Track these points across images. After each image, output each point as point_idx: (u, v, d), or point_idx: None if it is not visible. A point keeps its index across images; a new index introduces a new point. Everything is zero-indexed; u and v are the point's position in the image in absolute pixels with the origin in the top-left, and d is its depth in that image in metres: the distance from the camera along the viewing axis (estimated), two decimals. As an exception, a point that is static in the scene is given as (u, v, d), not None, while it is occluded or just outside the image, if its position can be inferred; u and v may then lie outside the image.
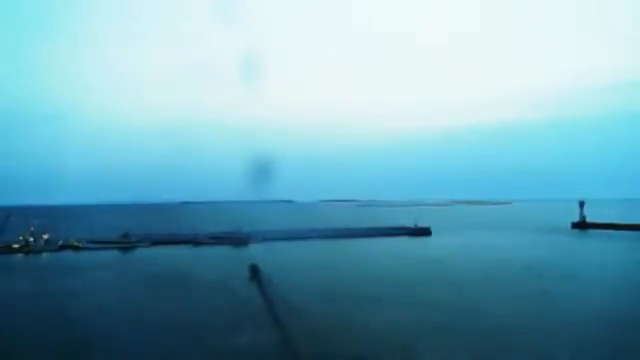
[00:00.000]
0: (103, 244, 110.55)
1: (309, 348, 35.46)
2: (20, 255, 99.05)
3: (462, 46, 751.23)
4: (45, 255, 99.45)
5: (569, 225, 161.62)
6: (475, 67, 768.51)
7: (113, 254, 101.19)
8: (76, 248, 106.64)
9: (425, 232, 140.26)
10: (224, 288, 60.43)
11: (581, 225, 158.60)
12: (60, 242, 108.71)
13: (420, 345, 36.33)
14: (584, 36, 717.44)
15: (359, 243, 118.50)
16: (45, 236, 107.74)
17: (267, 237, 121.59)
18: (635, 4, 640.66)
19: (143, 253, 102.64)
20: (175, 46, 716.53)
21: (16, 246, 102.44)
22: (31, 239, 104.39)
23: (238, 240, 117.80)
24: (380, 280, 65.39)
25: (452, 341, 37.30)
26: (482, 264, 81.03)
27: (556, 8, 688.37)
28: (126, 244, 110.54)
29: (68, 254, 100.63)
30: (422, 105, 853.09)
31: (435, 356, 34.44)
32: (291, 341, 37.30)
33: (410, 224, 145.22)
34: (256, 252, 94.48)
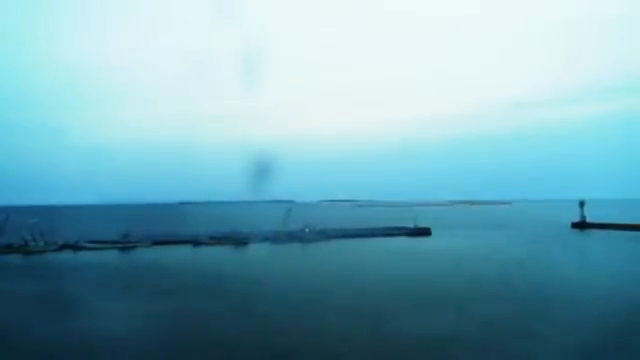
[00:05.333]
0: (103, 244, 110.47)
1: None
2: (19, 255, 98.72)
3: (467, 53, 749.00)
4: (45, 255, 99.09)
5: (569, 225, 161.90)
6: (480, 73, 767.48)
7: (113, 254, 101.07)
8: (76, 248, 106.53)
9: (425, 232, 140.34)
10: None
11: (581, 225, 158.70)
12: (60, 242, 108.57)
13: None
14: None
15: (359, 243, 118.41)
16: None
17: (267, 237, 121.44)
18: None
19: (143, 253, 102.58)
20: (175, 45, 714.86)
21: (15, 246, 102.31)
22: (30, 238, 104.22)
23: (238, 240, 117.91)
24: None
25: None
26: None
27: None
28: (126, 244, 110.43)
29: (68, 254, 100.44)
30: (424, 105, 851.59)
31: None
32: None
33: (410, 224, 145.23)
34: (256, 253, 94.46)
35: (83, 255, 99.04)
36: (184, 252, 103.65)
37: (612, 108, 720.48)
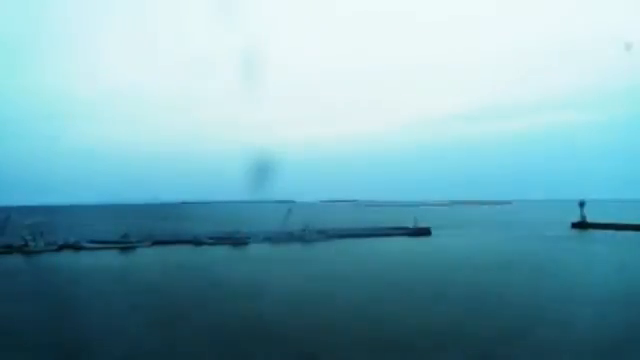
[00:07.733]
0: (103, 244, 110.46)
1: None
2: (19, 255, 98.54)
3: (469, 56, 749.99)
4: (45, 255, 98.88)
5: (569, 225, 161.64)
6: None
7: (113, 254, 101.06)
8: (76, 248, 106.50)
9: (425, 232, 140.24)
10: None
11: (581, 225, 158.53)
12: (60, 242, 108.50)
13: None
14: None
15: (359, 243, 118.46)
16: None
17: (268, 237, 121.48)
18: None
19: (143, 253, 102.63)
20: (175, 44, 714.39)
21: (15, 246, 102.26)
22: (30, 238, 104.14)
23: (238, 240, 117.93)
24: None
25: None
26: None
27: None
28: (126, 244, 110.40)
29: (68, 255, 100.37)
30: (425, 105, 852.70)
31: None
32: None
33: (410, 224, 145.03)
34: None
35: (83, 255, 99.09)
36: (184, 252, 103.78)
37: (614, 111, 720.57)
